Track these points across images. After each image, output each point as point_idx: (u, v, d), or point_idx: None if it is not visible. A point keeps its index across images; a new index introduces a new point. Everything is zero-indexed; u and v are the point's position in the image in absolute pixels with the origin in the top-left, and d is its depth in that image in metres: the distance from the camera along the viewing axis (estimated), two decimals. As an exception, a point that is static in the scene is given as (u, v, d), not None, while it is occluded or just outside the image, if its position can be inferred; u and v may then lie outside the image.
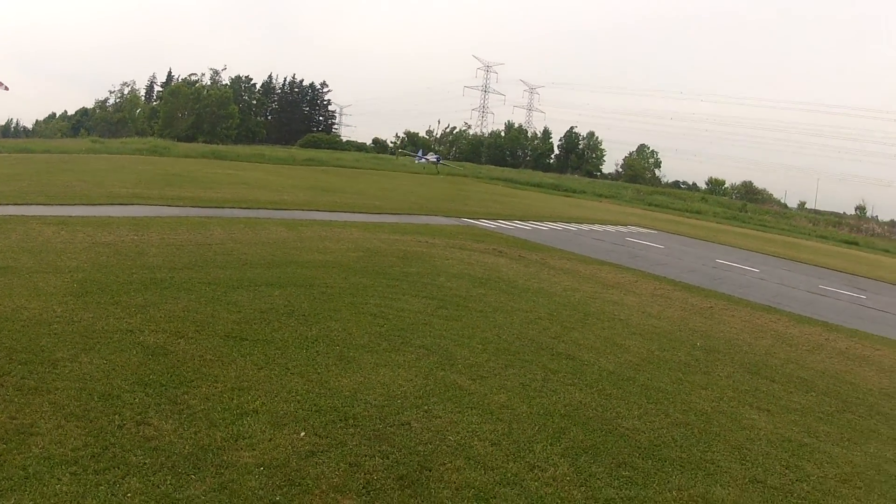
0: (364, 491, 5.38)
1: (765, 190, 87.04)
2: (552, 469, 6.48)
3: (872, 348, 14.39)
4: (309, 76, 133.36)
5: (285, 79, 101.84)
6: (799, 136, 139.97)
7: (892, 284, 28.58)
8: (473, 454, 6.51)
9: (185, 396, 6.45)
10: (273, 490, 5.13)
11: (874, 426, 9.43)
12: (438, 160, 42.10)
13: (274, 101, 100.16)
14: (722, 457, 7.53)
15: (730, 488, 6.76)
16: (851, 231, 66.19)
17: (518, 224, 27.19)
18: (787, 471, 7.42)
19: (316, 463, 5.66)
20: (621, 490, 6.28)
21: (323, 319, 9.60)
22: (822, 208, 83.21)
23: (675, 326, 13.34)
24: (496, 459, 6.47)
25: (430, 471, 6.03)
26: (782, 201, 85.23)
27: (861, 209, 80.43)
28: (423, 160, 47.61)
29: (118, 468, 5.06)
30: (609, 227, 33.35)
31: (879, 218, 77.38)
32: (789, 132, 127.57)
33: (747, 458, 7.59)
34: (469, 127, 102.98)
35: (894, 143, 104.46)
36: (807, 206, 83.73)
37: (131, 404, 6.12)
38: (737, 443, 8.00)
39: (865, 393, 10.98)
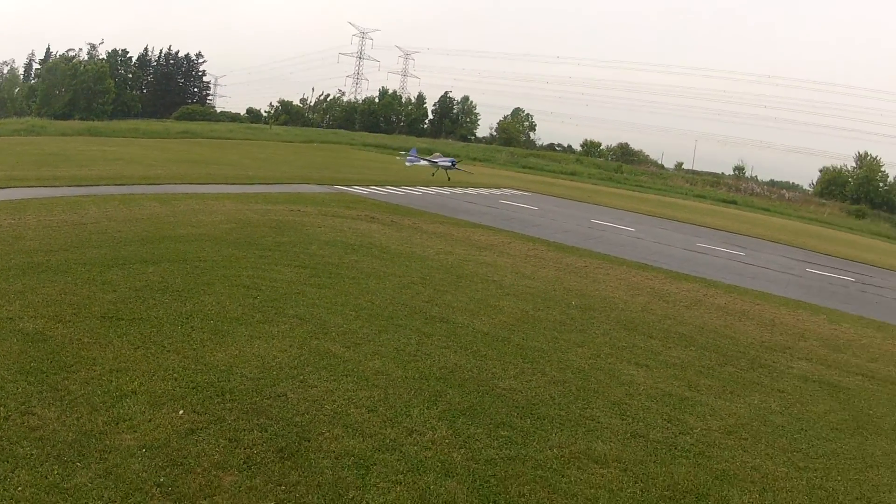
0: (245, 466, 6.99)
1: (641, 151, 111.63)
2: (430, 432, 8.44)
3: (752, 303, 19.13)
4: (185, 48, 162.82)
5: (161, 51, 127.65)
6: (677, 98, 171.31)
7: (771, 242, 36.77)
8: (351, 422, 8.29)
9: (66, 382, 8.16)
10: (156, 472, 6.61)
11: (757, 378, 12.74)
12: (453, 164, 41.23)
13: (150, 74, 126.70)
14: (602, 413, 9.87)
15: (611, 443, 8.95)
16: (730, 191, 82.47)
17: (391, 190, 34.66)
18: (669, 424, 9.90)
19: (196, 441, 7.28)
20: (501, 450, 8.29)
21: (197, 294, 12.23)
22: (700, 169, 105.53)
23: (549, 286, 17.15)
24: (374, 426, 8.37)
25: (308, 441, 7.69)
26: (659, 162, 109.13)
27: (739, 169, 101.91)
28: (423, 162, 41.64)
29: (7, 462, 6.44)
30: (483, 191, 41.95)
31: (759, 178, 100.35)
32: (667, 95, 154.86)
33: (627, 414, 10.00)
34: (343, 94, 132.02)
35: (774, 106, 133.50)
36: (684, 166, 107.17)
37: (15, 394, 7.71)
38: (616, 398, 10.49)
39: (746, 346, 14.68)
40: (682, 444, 9.46)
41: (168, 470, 6.69)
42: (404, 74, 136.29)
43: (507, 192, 44.07)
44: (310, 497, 6.69)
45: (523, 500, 7.35)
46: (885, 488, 9.43)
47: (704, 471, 8.83)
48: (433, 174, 39.43)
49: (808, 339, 16.43)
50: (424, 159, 41.92)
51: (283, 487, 6.77)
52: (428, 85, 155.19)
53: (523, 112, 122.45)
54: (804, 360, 14.68)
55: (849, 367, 14.82)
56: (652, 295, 18.06)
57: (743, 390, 12.06)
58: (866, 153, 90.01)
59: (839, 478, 9.45)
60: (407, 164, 39.72)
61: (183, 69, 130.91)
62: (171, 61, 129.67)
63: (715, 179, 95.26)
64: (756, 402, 11.63)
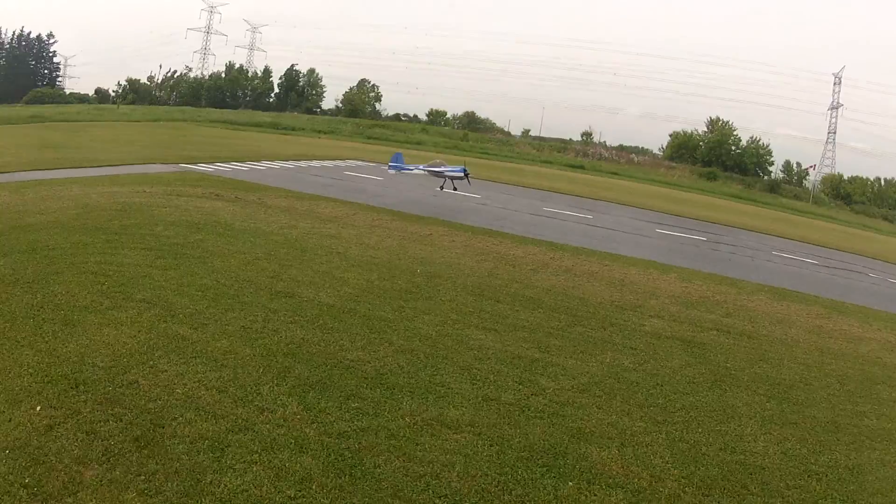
0: (104, 458, 7.27)
1: (488, 119, 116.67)
2: (282, 409, 8.83)
3: (601, 264, 20.38)
4: (38, 28, 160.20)
5: (14, 32, 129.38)
6: (525, 66, 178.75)
7: (619, 204, 38.87)
8: (203, 404, 8.67)
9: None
10: (21, 472, 6.88)
11: (608, 337, 13.66)
12: (465, 173, 35.10)
13: (2, 57, 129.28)
14: (452, 379, 10.41)
15: (463, 409, 9.47)
16: (577, 156, 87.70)
17: (236, 166, 35.92)
18: (520, 386, 10.52)
19: (55, 437, 7.55)
20: (353, 422, 8.74)
21: (47, 284, 12.58)
22: (548, 135, 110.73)
23: (394, 256, 17.86)
24: (225, 406, 8.71)
25: (163, 427, 8.01)
26: (506, 130, 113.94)
27: (587, 135, 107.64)
28: (417, 170, 34.53)
29: None
30: (328, 163, 43.29)
31: (608, 143, 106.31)
32: (515, 63, 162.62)
33: (478, 378, 10.57)
34: (190, 70, 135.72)
35: (625, 73, 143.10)
36: (531, 133, 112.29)
37: None
38: (465, 364, 11.05)
39: (596, 306, 15.67)
40: (536, 406, 10.06)
41: (32, 469, 6.94)
42: (251, 48, 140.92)
43: (353, 163, 45.41)
44: (169, 485, 6.98)
45: (378, 471, 7.71)
46: (750, 438, 10.37)
47: (560, 430, 9.41)
48: (441, 188, 33.29)
49: (659, 297, 17.69)
50: (420, 168, 35.27)
51: (143, 477, 7.05)
52: (276, 58, 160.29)
53: (369, 83, 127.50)
54: (656, 317, 15.81)
55: (703, 322, 16.10)
56: (498, 260, 18.92)
57: (594, 349, 12.90)
58: (717, 118, 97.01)
59: (700, 430, 10.30)
60: (390, 171, 34.83)
61: (34, 51, 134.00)
62: (23, 42, 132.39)
63: (563, 145, 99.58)
64: (608, 360, 12.48)
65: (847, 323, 19.28)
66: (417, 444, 8.39)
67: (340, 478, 7.49)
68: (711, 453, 9.64)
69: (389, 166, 34.05)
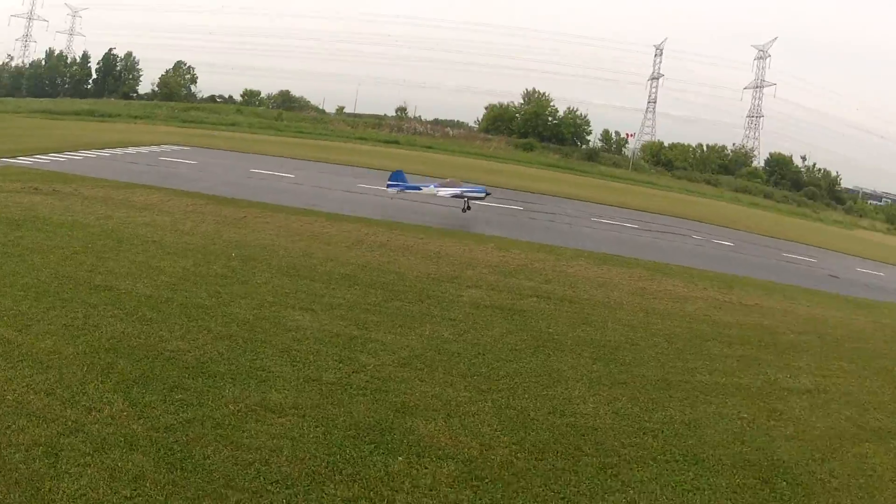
0: None
1: (302, 97, 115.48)
2: (108, 407, 8.58)
3: (415, 238, 20.64)
4: None
5: None
6: (340, 43, 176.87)
7: (435, 178, 38.75)
8: (32, 409, 8.43)
9: None
10: None
11: (426, 309, 13.90)
12: (486, 193, 29.68)
13: None
14: (272, 362, 10.35)
15: (286, 392, 9.44)
16: (392, 131, 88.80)
17: (54, 157, 34.11)
18: (341, 365, 10.58)
19: None
20: (178, 414, 8.60)
21: None
22: (364, 112, 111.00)
23: (209, 241, 17.48)
24: (54, 410, 8.42)
25: None
26: (321, 107, 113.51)
27: (402, 110, 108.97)
28: (428, 189, 27.99)
29: None
30: (143, 149, 41.25)
31: (423, 118, 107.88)
32: (330, 41, 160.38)
33: (298, 359, 10.56)
34: (12, 59, 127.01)
35: (440, 48, 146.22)
36: (346, 110, 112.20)
37: None
38: (284, 346, 11.01)
39: (413, 280, 15.90)
40: (358, 383, 10.16)
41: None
42: (71, 33, 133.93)
43: (168, 148, 43.87)
44: (11, 496, 6.81)
45: (209, 461, 7.65)
46: (578, 400, 10.84)
47: (384, 406, 9.53)
48: (464, 209, 28.68)
49: (476, 268, 18.11)
50: (432, 187, 28.54)
51: (-17, 491, 6.73)
52: (96, 43, 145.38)
53: (185, 65, 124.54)
54: (474, 287, 16.20)
55: (522, 290, 16.64)
56: (313, 239, 18.86)
57: (413, 323, 13.11)
58: (534, 90, 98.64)
59: (526, 396, 10.67)
60: (389, 191, 28.90)
61: None
62: None
63: (377, 121, 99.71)
64: (428, 332, 12.70)
65: (671, 283, 20.47)
66: (244, 432, 8.34)
67: (172, 472, 7.38)
68: (541, 418, 9.99)
69: (388, 185, 28.71)
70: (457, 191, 28.67)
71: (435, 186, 29.39)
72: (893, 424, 12.77)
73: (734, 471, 9.63)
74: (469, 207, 28.82)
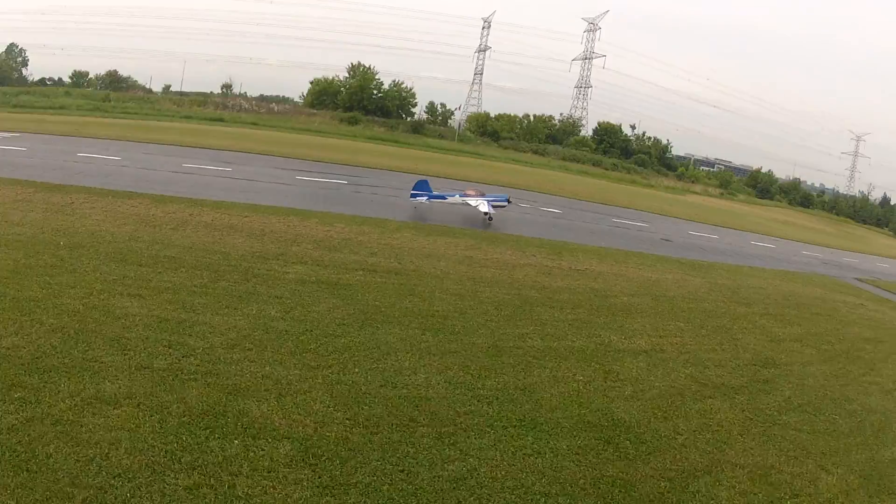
0: None
1: (130, 77, 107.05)
2: None
3: (240, 216, 19.79)
4: None
5: None
6: (166, 20, 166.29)
7: (260, 154, 37.49)
8: None
9: None
10: None
11: (252, 289, 13.43)
12: (507, 201, 28.44)
13: None
14: (103, 352, 9.71)
15: (119, 382, 8.90)
16: (217, 108, 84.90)
17: None
18: (171, 350, 10.07)
19: None
20: (19, 413, 7.92)
21: None
22: (190, 90, 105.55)
23: (38, 230, 16.05)
24: None
25: None
26: (148, 87, 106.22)
27: (227, 87, 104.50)
28: (453, 198, 28.24)
29: None
30: None
31: (249, 94, 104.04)
32: (157, 18, 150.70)
33: (129, 348, 9.95)
34: None
35: (265, 23, 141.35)
36: (172, 89, 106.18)
37: None
38: (115, 335, 10.35)
39: (238, 259, 15.31)
40: (188, 368, 9.68)
41: None
42: None
43: None
44: None
45: (52, 460, 7.17)
46: (409, 371, 10.79)
47: (216, 389, 9.14)
48: (490, 218, 26.95)
49: (301, 244, 17.67)
50: (457, 196, 28.10)
51: None
52: None
53: (17, 47, 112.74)
54: (299, 263, 15.82)
55: (347, 264, 16.39)
56: (139, 222, 17.76)
57: (240, 303, 12.63)
58: (359, 63, 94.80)
59: (357, 370, 10.50)
60: (415, 202, 27.08)
61: None
62: None
63: (203, 99, 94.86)
64: (255, 312, 12.29)
65: (499, 252, 20.62)
66: (82, 426, 7.82)
67: (19, 475, 6.83)
68: (373, 391, 9.88)
69: (412, 195, 26.83)
70: (482, 200, 27.62)
71: (461, 196, 28.26)
72: (735, 380, 13.48)
73: (575, 433, 9.77)
74: (491, 218, 27.20)
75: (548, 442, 9.33)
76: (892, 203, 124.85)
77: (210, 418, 8.34)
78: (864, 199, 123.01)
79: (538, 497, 8.07)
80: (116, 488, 6.83)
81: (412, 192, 27.06)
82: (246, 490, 7.13)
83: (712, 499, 8.89)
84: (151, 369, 9.41)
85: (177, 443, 7.75)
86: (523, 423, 9.70)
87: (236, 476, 7.32)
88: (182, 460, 7.44)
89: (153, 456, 7.43)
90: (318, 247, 17.66)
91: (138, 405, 8.41)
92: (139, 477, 7.04)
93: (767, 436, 11.16)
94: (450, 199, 27.89)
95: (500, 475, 8.32)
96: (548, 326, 14.26)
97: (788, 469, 10.13)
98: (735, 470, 9.74)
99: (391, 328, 12.52)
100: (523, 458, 8.80)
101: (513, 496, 7.97)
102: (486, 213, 27.20)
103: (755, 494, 9.22)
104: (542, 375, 11.58)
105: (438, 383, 10.50)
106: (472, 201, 27.70)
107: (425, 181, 27.94)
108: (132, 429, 7.87)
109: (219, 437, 7.98)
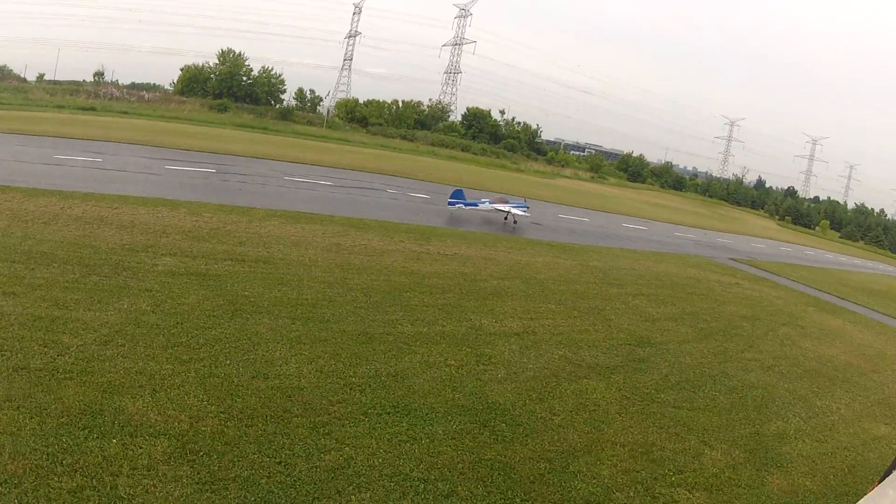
0: None
1: (5, 66, 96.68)
2: None
3: (110, 208, 18.51)
4: None
5: None
6: (39, 6, 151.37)
7: (129, 144, 35.36)
8: None
9: None
10: None
11: (123, 282, 12.71)
12: (525, 208, 31.55)
13: None
14: None
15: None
16: (89, 97, 79.06)
17: None
18: (45, 349, 9.42)
19: None
20: None
21: None
22: (63, 78, 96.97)
23: None
24: None
25: None
26: (22, 76, 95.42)
27: (99, 75, 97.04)
28: (484, 205, 31.42)
29: None
30: None
31: (120, 82, 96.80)
32: (34, 4, 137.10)
33: (4, 348, 9.23)
34: None
35: (137, 8, 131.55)
36: (46, 77, 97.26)
37: None
38: None
39: (108, 252, 14.40)
40: (63, 366, 9.14)
41: None
42: None
43: None
44: None
45: None
46: (280, 361, 10.52)
47: (91, 387, 8.70)
48: (515, 221, 30.96)
49: (170, 235, 16.89)
50: (487, 203, 31.12)
51: None
52: None
53: None
54: (168, 255, 15.15)
55: (215, 254, 15.80)
56: (11, 217, 16.27)
57: (111, 297, 11.99)
58: (229, 50, 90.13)
59: (228, 362, 10.19)
60: (452, 208, 29.88)
61: None
62: None
63: (76, 87, 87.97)
64: (126, 306, 11.71)
65: (367, 238, 20.24)
66: None
67: None
68: (245, 383, 9.64)
69: (449, 203, 29.73)
70: (508, 206, 30.96)
71: (490, 203, 31.30)
72: (610, 360, 13.69)
73: (449, 417, 9.79)
74: (515, 221, 30.92)
75: (423, 427, 9.36)
76: (766, 186, 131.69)
77: (88, 417, 7.95)
78: (738, 181, 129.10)
79: (416, 483, 8.11)
80: (4, 495, 6.43)
81: (449, 199, 30.12)
82: (128, 490, 6.88)
83: (594, 477, 9.07)
84: (28, 370, 8.82)
85: (57, 444, 7.35)
86: (397, 410, 9.69)
87: (117, 476, 7.04)
88: (64, 462, 7.07)
89: (36, 460, 7.02)
90: (187, 237, 16.94)
91: (18, 408, 7.88)
92: (25, 482, 6.65)
93: (646, 414, 11.41)
94: (481, 207, 31.01)
95: (377, 463, 8.33)
96: (418, 312, 14.27)
97: (670, 446, 10.42)
98: (616, 448, 9.96)
99: (261, 318, 12.23)
100: (399, 445, 8.82)
101: (391, 483, 7.99)
102: (514, 220, 30.94)
103: (638, 472, 9.44)
104: (414, 361, 11.57)
105: (310, 373, 10.36)
106: (503, 207, 31.01)
107: (460, 190, 30.87)
108: (14, 432, 7.38)
109: (97, 437, 7.64)
